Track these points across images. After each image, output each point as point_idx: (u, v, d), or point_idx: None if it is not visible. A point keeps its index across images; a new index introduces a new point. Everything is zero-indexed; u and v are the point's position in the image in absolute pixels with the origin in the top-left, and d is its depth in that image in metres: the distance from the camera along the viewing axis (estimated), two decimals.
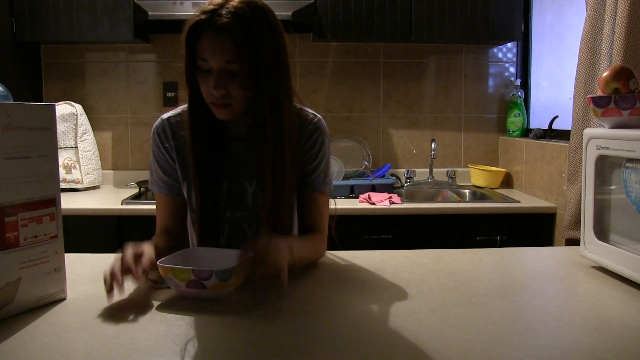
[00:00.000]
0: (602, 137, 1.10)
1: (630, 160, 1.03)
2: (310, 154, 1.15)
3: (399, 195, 2.43)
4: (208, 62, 1.01)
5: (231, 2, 0.99)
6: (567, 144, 2.04)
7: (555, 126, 2.41)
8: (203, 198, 1.12)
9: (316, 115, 1.17)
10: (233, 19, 0.97)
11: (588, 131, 1.15)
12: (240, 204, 1.16)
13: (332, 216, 1.21)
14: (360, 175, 2.67)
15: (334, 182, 2.46)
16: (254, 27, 0.99)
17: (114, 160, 2.84)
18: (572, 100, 1.93)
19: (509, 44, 2.85)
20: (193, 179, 1.12)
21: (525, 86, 2.85)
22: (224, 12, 0.98)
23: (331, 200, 1.21)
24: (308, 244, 1.13)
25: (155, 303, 0.95)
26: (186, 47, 1.03)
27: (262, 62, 1.00)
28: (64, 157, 2.57)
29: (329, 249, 1.26)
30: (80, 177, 2.58)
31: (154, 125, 1.19)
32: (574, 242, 1.84)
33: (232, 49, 0.98)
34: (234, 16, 0.97)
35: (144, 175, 2.52)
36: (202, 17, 0.99)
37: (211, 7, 0.99)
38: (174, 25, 2.64)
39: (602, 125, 1.16)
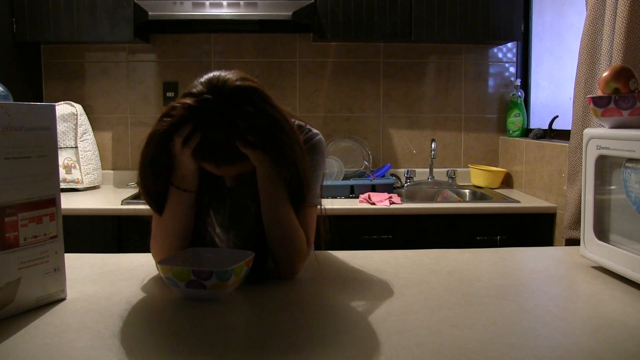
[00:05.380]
0: (602, 137, 1.10)
1: (630, 160, 1.03)
2: None
3: (399, 195, 2.43)
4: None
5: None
6: (567, 144, 2.04)
7: (555, 126, 2.42)
8: (203, 218, 1.11)
9: (311, 130, 1.13)
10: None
11: (588, 131, 1.15)
12: (244, 221, 1.15)
13: (323, 217, 1.17)
14: (360, 175, 2.67)
15: (334, 182, 2.47)
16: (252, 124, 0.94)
17: (114, 160, 2.84)
18: (572, 100, 1.93)
19: (509, 44, 2.85)
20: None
21: (525, 86, 2.85)
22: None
23: (324, 201, 1.18)
24: (293, 221, 1.05)
25: (155, 303, 0.95)
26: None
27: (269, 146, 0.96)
28: (64, 157, 2.57)
29: (329, 248, 1.26)
30: (80, 177, 2.58)
31: None
32: (574, 242, 1.84)
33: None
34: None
35: None
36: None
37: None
38: (174, 25, 2.68)
39: (602, 125, 1.16)
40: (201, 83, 0.94)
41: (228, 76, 0.94)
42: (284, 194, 1.03)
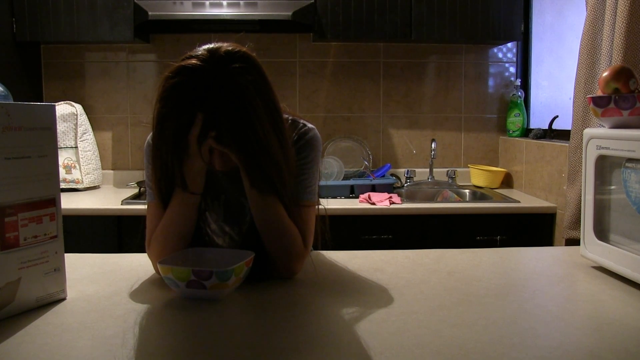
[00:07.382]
0: (602, 137, 1.10)
1: (630, 160, 1.03)
2: (297, 165, 1.09)
3: (399, 195, 2.43)
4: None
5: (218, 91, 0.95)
6: (567, 144, 2.04)
7: (555, 126, 2.42)
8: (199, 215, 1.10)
9: (306, 125, 1.12)
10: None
11: (588, 131, 1.15)
12: (239, 218, 1.14)
13: (323, 217, 1.16)
14: (360, 175, 2.67)
15: (334, 182, 2.47)
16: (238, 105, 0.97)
17: (114, 160, 2.85)
18: (572, 100, 1.93)
19: (509, 44, 2.85)
20: None
21: (525, 86, 2.85)
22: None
23: (323, 201, 1.17)
24: (285, 221, 1.05)
25: (155, 303, 0.95)
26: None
27: (254, 126, 0.96)
28: (64, 157, 2.57)
29: (328, 249, 1.25)
30: (80, 177, 2.58)
31: (147, 142, 1.18)
32: (574, 242, 1.84)
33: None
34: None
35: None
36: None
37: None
38: (174, 25, 2.68)
39: (602, 125, 1.16)
40: (201, 48, 1.00)
41: (224, 44, 1.02)
42: (272, 193, 1.03)
